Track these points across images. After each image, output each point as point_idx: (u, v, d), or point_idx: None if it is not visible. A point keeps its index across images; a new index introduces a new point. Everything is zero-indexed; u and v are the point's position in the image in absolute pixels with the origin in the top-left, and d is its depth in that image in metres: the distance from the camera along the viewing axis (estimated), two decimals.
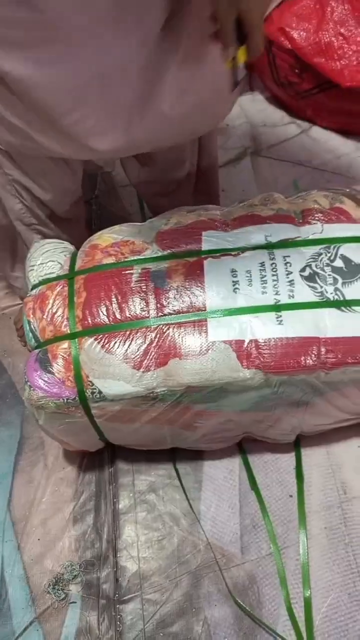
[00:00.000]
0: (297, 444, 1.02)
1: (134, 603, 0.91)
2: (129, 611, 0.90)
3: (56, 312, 0.81)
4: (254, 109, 1.59)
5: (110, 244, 0.86)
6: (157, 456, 1.02)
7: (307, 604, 0.86)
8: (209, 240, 0.83)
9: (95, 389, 0.77)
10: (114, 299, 0.80)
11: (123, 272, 0.82)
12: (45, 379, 0.78)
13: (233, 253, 0.82)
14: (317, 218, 0.85)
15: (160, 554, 0.95)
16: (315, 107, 1.49)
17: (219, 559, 0.92)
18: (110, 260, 0.84)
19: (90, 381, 0.77)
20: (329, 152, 1.47)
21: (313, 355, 0.76)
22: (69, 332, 0.80)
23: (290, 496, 0.97)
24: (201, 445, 0.98)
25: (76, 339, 0.79)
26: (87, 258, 0.85)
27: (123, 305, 0.80)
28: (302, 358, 0.76)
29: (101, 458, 1.04)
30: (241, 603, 0.88)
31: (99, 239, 0.88)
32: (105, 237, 0.88)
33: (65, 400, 0.77)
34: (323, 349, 0.76)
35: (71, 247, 0.92)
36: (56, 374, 0.78)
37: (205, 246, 0.83)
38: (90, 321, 0.79)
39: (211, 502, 0.98)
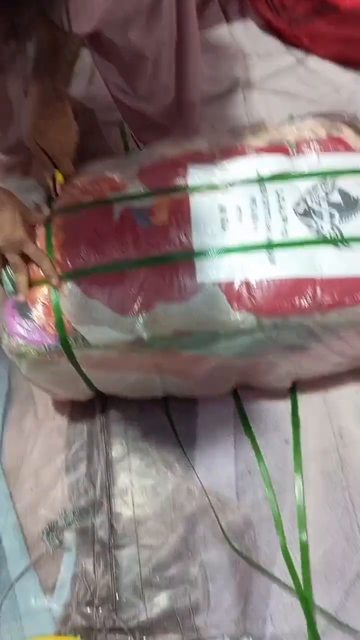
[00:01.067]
0: (293, 390, 0.99)
1: (130, 548, 0.91)
2: (124, 556, 0.90)
3: None
4: (246, 37, 1.48)
5: (88, 181, 0.80)
6: (149, 404, 1.00)
7: (304, 548, 0.86)
8: (195, 175, 0.78)
9: (78, 335, 0.73)
10: (94, 240, 0.75)
11: (103, 211, 0.77)
12: (25, 326, 0.74)
13: (221, 188, 0.77)
14: (312, 148, 0.80)
15: (155, 500, 0.94)
16: (312, 34, 1.38)
17: (214, 503, 0.91)
18: (89, 198, 0.79)
19: (73, 327, 0.73)
20: (327, 84, 1.38)
21: (308, 297, 0.72)
22: None
23: (286, 442, 0.95)
24: (194, 392, 0.96)
25: None
26: (65, 197, 0.80)
27: (104, 246, 0.75)
28: (297, 299, 0.72)
29: (92, 407, 1.02)
30: (237, 547, 0.87)
31: (77, 175, 0.83)
32: (83, 174, 0.82)
33: (47, 347, 0.74)
34: (319, 290, 0.72)
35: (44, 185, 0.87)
36: (36, 320, 0.74)
37: (191, 181, 0.78)
38: (69, 264, 0.75)
39: (205, 448, 0.97)
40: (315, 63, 1.42)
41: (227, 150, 0.82)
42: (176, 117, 1.04)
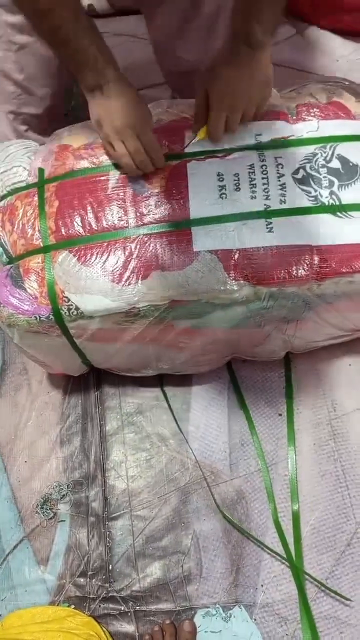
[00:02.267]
0: (287, 363, 0.99)
1: (123, 519, 0.91)
2: (118, 527, 0.91)
3: (27, 224, 0.75)
4: None
5: (83, 145, 0.78)
6: (143, 378, 1.00)
7: (296, 517, 0.87)
8: (193, 141, 0.75)
9: (71, 305, 0.72)
10: (89, 208, 0.74)
11: (98, 178, 0.75)
12: (17, 295, 0.72)
13: (219, 155, 0.75)
14: (312, 114, 0.78)
15: (148, 473, 0.94)
16: (313, 4, 1.35)
17: (207, 475, 0.92)
18: (84, 165, 0.76)
19: (66, 297, 0.72)
20: (326, 55, 1.35)
21: (305, 265, 0.71)
22: (41, 245, 0.74)
23: (280, 415, 0.95)
24: (188, 368, 0.95)
25: (49, 252, 0.73)
26: (58, 163, 0.78)
27: (99, 214, 0.73)
28: (294, 268, 0.71)
29: (87, 382, 1.02)
30: (229, 517, 0.88)
31: (70, 137, 0.80)
32: (77, 136, 0.79)
33: (39, 317, 0.72)
34: (316, 258, 0.71)
35: (37, 148, 0.84)
36: (28, 290, 0.73)
37: (188, 147, 0.76)
38: (64, 233, 0.73)
39: (199, 422, 0.97)
40: (315, 33, 1.39)
41: None
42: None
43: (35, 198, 0.75)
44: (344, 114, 0.77)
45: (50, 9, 0.60)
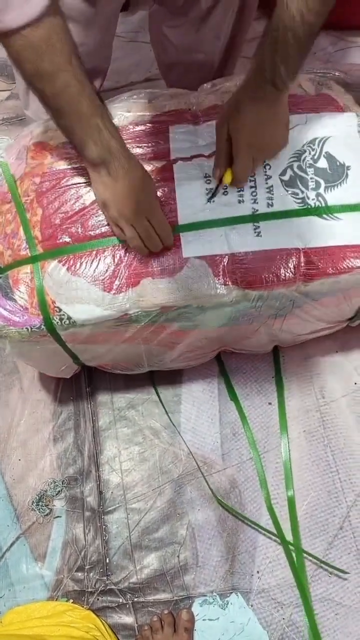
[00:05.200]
0: (276, 353, 1.00)
1: (119, 513, 0.92)
2: (114, 521, 0.92)
3: (10, 233, 0.73)
4: None
5: (62, 143, 0.75)
6: (134, 374, 1.00)
7: (291, 503, 0.88)
8: (178, 139, 0.74)
9: (63, 315, 0.71)
10: (75, 215, 0.72)
11: (81, 182, 0.73)
12: (7, 307, 0.71)
13: (206, 154, 0.73)
14: (300, 107, 0.75)
15: (142, 466, 0.95)
16: None
17: (200, 466, 0.93)
18: (64, 166, 0.74)
19: (58, 307, 0.71)
20: (315, 47, 1.36)
21: (293, 268, 0.71)
22: (29, 255, 0.73)
23: (269, 404, 0.97)
24: (179, 364, 0.95)
25: (38, 263, 0.72)
26: (34, 162, 0.75)
27: (86, 222, 0.72)
28: (282, 271, 0.71)
29: (78, 378, 1.03)
30: (225, 503, 0.89)
31: (47, 134, 0.77)
32: (55, 132, 0.75)
33: (30, 329, 0.71)
34: (303, 260, 0.71)
35: (9, 142, 0.81)
36: (18, 301, 0.72)
37: (173, 146, 0.74)
38: (51, 242, 0.72)
39: (191, 414, 0.98)
40: None
41: (211, 109, 0.76)
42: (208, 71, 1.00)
43: (13, 204, 0.74)
44: (333, 107, 0.76)
45: (53, 71, 0.55)
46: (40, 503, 0.94)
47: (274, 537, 0.85)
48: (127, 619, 0.86)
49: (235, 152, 0.67)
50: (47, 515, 0.93)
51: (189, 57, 0.97)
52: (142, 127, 0.77)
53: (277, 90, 0.62)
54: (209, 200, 0.72)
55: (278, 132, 0.70)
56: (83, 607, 0.87)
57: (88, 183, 0.72)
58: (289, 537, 0.85)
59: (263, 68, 0.61)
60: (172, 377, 1.01)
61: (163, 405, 0.99)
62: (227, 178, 0.70)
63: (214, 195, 0.72)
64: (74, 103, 0.59)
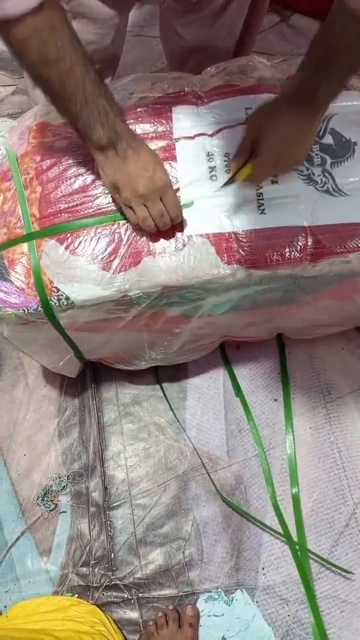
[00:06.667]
0: (282, 349, 1.00)
1: (124, 508, 0.92)
2: (119, 516, 0.92)
3: (8, 211, 0.72)
4: None
5: (63, 123, 0.74)
6: (139, 370, 1.00)
7: (296, 500, 0.87)
8: (181, 118, 0.73)
9: (61, 295, 0.70)
10: (74, 193, 0.71)
11: (83, 159, 0.71)
12: (2, 289, 0.70)
13: (209, 132, 0.72)
14: None
15: (147, 462, 0.95)
16: None
17: (205, 462, 0.92)
18: (65, 144, 0.73)
19: (55, 287, 0.70)
20: (309, 41, 1.35)
21: (299, 247, 0.69)
22: (24, 233, 0.71)
23: (275, 400, 0.96)
24: (181, 357, 0.95)
25: (33, 241, 0.70)
26: (35, 141, 0.74)
27: (85, 199, 0.71)
28: (287, 250, 0.69)
29: (83, 375, 1.02)
30: (229, 500, 0.89)
31: (49, 115, 0.76)
32: (57, 114, 0.71)
33: (27, 310, 0.70)
34: (310, 239, 0.69)
35: (12, 124, 0.80)
36: (14, 282, 0.70)
37: (176, 125, 0.73)
38: (49, 220, 0.71)
39: (196, 410, 0.98)
40: (299, 21, 1.39)
41: (214, 90, 0.75)
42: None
43: (12, 182, 0.72)
44: None
45: (59, 56, 0.56)
46: (45, 498, 0.94)
47: (279, 536, 0.85)
48: (132, 614, 0.86)
49: (262, 157, 0.67)
50: (52, 510, 0.93)
51: (201, 54, 0.96)
52: (145, 108, 0.75)
53: (313, 111, 0.64)
54: (221, 188, 0.71)
55: (305, 147, 0.69)
56: (88, 602, 0.87)
57: (89, 161, 0.71)
58: (294, 534, 0.85)
59: (303, 88, 0.62)
60: (177, 374, 1.01)
61: (168, 401, 0.99)
62: (245, 173, 0.68)
63: (226, 184, 0.71)
64: (79, 86, 0.59)
